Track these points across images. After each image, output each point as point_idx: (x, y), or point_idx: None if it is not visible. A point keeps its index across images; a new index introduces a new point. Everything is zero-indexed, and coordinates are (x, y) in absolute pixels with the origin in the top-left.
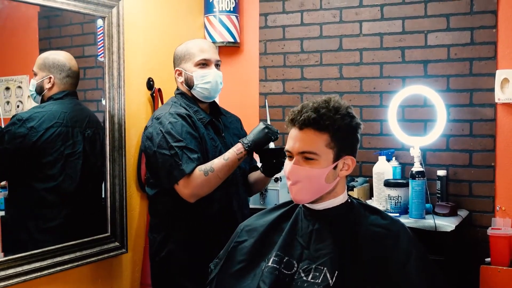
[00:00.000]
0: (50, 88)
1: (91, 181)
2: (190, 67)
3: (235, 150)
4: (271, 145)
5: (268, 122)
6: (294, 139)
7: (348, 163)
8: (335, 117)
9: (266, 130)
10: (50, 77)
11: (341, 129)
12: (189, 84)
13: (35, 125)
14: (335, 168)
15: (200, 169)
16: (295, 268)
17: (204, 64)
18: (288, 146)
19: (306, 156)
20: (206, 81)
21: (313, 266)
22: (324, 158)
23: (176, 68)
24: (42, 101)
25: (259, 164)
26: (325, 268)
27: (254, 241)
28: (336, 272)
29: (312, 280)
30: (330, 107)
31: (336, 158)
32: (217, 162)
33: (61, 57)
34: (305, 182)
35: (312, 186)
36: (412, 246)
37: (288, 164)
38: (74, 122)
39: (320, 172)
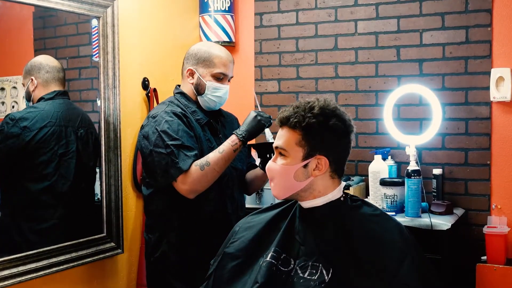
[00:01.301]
0: (35, 89)
1: (84, 180)
2: (206, 75)
3: (230, 142)
4: (268, 133)
5: (259, 110)
6: (276, 136)
7: (321, 163)
8: (306, 115)
9: (259, 118)
10: (32, 79)
11: (312, 128)
12: (199, 90)
13: (29, 125)
14: (305, 166)
15: (196, 164)
16: (292, 265)
17: (221, 78)
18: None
19: (280, 152)
20: (217, 95)
21: (309, 263)
22: (293, 155)
23: (190, 68)
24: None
25: (257, 161)
26: (320, 265)
27: (252, 237)
28: (331, 268)
29: (308, 277)
30: (307, 107)
31: (307, 156)
32: (213, 156)
33: (37, 58)
34: (277, 179)
35: (283, 183)
36: (407, 245)
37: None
38: (67, 122)
39: (289, 169)
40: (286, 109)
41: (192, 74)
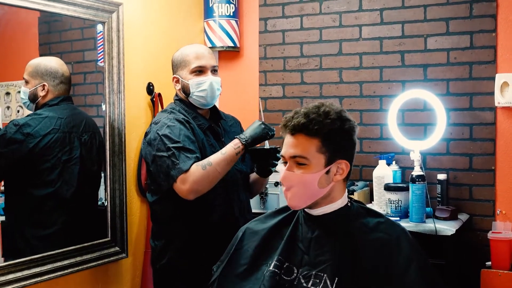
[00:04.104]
0: (44, 96)
1: (88, 186)
2: (186, 75)
3: (233, 145)
4: (267, 144)
5: (262, 118)
6: (287, 144)
7: (342, 167)
8: (324, 121)
9: (263, 126)
10: (44, 85)
11: (332, 134)
12: (186, 91)
13: (32, 132)
14: (328, 172)
15: (198, 164)
16: (295, 274)
17: (199, 71)
18: (282, 152)
19: (298, 161)
20: (201, 89)
21: (313, 272)
22: (315, 163)
23: (173, 76)
24: (37, 108)
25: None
26: (325, 275)
27: (256, 245)
28: (336, 278)
29: (312, 287)
30: (320, 112)
31: (328, 162)
32: (215, 157)
33: (53, 63)
34: (298, 188)
35: (305, 192)
36: (413, 251)
37: (282, 170)
38: (71, 128)
39: (312, 177)
40: (294, 115)
41: (177, 81)
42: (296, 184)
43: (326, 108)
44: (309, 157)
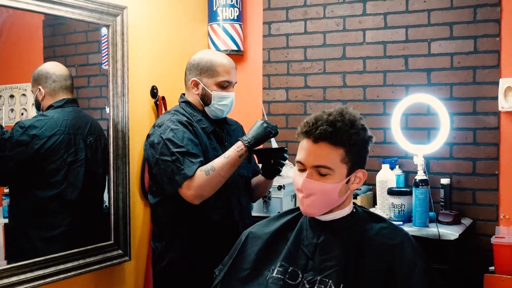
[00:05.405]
0: (43, 98)
1: (93, 188)
2: (210, 84)
3: (235, 148)
4: (273, 142)
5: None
6: (307, 151)
7: (359, 177)
8: (350, 131)
9: (265, 125)
10: (39, 88)
11: (356, 144)
12: (205, 100)
13: (38, 133)
14: (347, 182)
15: (201, 170)
16: (300, 279)
17: (225, 86)
18: (300, 157)
19: (321, 171)
20: (223, 103)
21: (318, 278)
22: (339, 172)
23: (194, 79)
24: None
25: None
26: (330, 281)
27: (258, 249)
28: (342, 285)
29: None
30: (346, 120)
31: (350, 172)
32: (218, 161)
33: (44, 66)
34: (318, 196)
35: (326, 200)
36: (417, 257)
37: (300, 176)
38: (76, 130)
39: (334, 186)
40: (317, 122)
41: (196, 84)
42: (317, 192)
43: (350, 117)
44: (333, 167)
